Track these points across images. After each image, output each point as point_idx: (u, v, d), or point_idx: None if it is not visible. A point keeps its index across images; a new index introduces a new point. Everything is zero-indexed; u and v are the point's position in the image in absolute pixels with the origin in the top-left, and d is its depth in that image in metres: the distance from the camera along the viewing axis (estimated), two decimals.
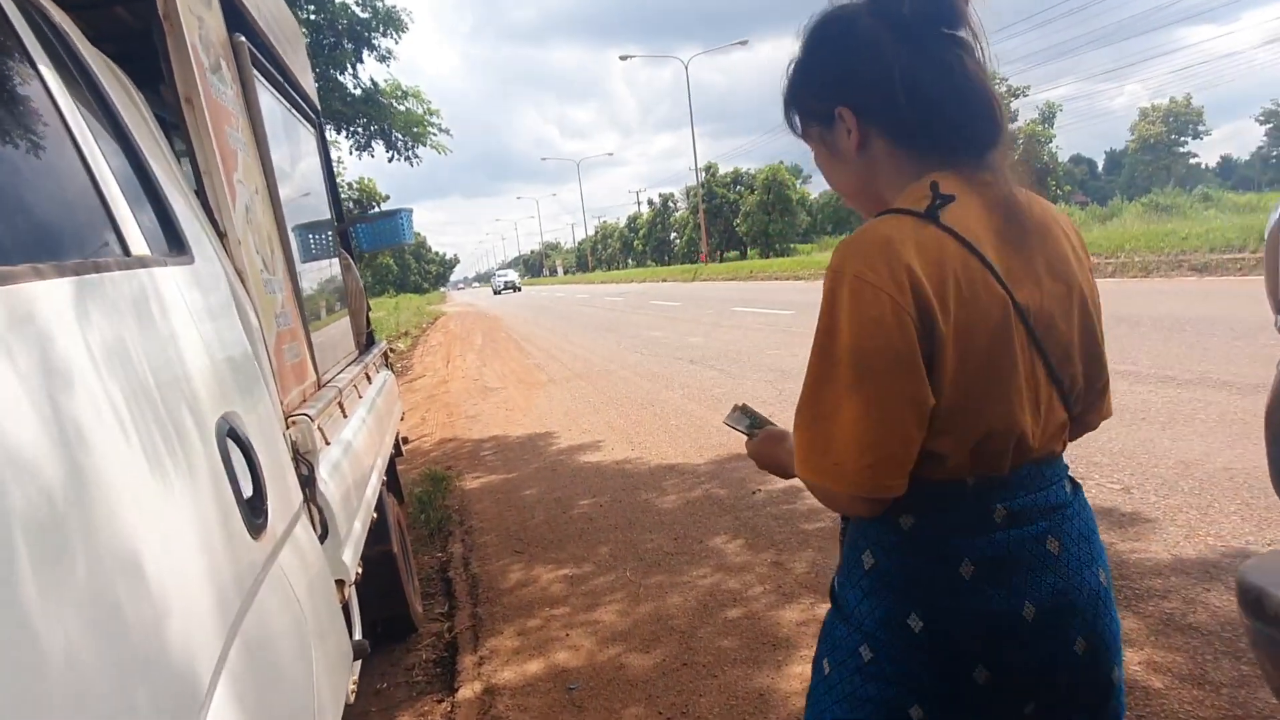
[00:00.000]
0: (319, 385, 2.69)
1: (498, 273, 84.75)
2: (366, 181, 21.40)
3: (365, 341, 4.85)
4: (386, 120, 9.45)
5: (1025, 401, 1.03)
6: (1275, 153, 79.63)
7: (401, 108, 9.89)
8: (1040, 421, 1.05)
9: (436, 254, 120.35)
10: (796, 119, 1.20)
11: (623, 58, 46.75)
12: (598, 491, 5.60)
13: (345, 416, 2.80)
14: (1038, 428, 1.05)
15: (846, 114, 1.10)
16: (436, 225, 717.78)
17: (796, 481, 1.15)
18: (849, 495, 1.02)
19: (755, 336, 12.68)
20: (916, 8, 1.04)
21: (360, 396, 3.27)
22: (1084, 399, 1.13)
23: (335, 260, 3.99)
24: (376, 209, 21.78)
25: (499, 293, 69.01)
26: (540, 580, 4.19)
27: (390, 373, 5.17)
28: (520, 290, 70.43)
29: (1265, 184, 63.38)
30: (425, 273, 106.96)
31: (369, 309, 5.08)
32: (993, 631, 1.03)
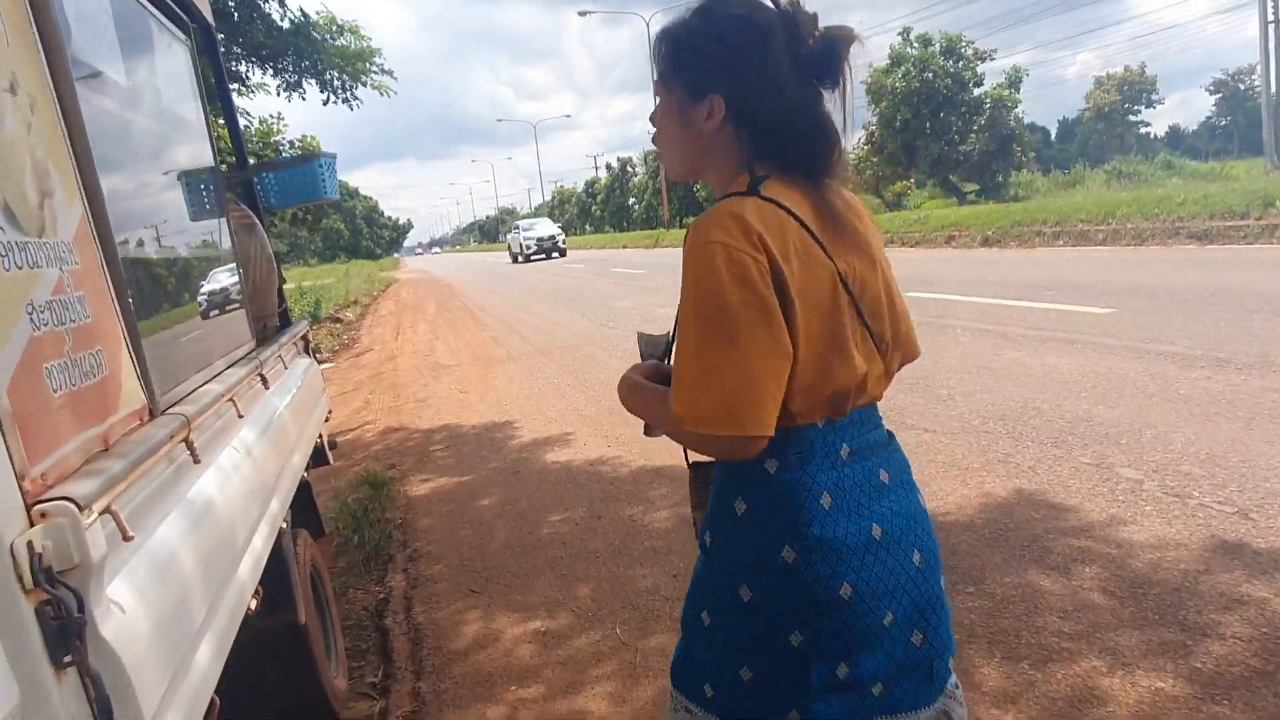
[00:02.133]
0: (151, 414, 1.68)
1: (522, 226, 43.85)
2: (310, 140, 19.84)
3: (273, 325, 3.80)
4: (319, 55, 8.22)
5: (857, 353, 1.22)
6: (1223, 122, 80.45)
7: (337, 43, 8.68)
8: (868, 370, 1.24)
9: (390, 219, 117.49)
10: (669, 72, 1.29)
11: (581, 13, 44.90)
12: (570, 503, 4.63)
13: (195, 460, 1.79)
14: (868, 376, 1.24)
15: (719, 103, 1.23)
16: (390, 189, 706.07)
17: None
18: (738, 437, 1.13)
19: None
20: (814, 54, 1.22)
21: (241, 415, 2.25)
22: (893, 349, 1.30)
23: (220, 220, 2.93)
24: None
25: (527, 259, 38.84)
26: (504, 638, 3.21)
27: (312, 360, 4.14)
28: (565, 253, 39.38)
29: (1211, 153, 63.91)
30: (378, 238, 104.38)
31: (282, 280, 4.01)
32: (852, 551, 1.21)
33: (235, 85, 8.91)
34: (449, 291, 24.95)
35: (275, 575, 2.42)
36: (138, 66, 2.33)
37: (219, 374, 2.25)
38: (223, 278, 2.91)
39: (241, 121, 15.15)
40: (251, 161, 4.06)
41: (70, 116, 1.60)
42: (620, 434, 5.83)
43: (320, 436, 4.08)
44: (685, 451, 1.37)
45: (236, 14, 7.22)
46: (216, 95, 3.90)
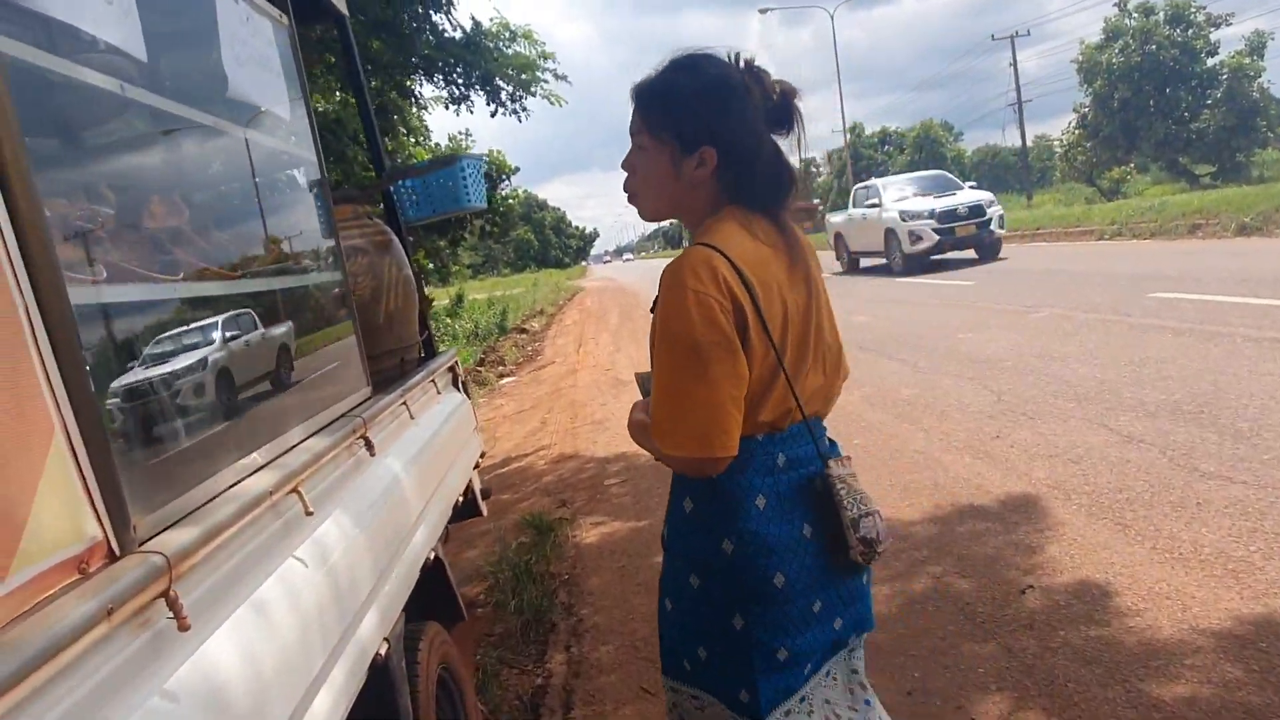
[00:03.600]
0: (114, 554, 1.06)
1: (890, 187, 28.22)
2: (496, 154, 20.09)
3: (413, 358, 3.24)
4: (488, 65, 7.84)
5: (799, 375, 1.41)
6: None
7: (509, 51, 8.30)
8: (809, 391, 1.44)
9: (577, 228, 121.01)
10: (659, 125, 1.42)
11: (762, 11, 43.89)
12: None
13: (184, 626, 1.15)
14: (806, 395, 1.43)
15: (711, 155, 1.39)
16: (576, 200, 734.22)
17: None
18: (705, 458, 1.33)
19: (935, 314, 10.51)
20: (776, 107, 1.43)
21: (310, 512, 1.62)
22: (829, 371, 1.50)
23: (324, 234, 2.36)
24: (505, 179, 20.40)
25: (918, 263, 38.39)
26: None
27: (464, 397, 3.57)
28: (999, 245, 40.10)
29: None
30: (566, 247, 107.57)
31: (425, 304, 3.47)
32: (785, 546, 1.39)
33: (407, 100, 8.78)
34: (633, 300, 24.70)
35: (378, 699, 1.79)
36: (197, 44, 1.77)
37: (279, 456, 1.62)
38: (332, 308, 2.34)
39: (431, 139, 15.40)
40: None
41: None
42: None
43: (470, 484, 3.52)
44: None
45: (407, 27, 6.96)
46: (353, 95, 3.44)
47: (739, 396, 1.31)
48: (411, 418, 2.59)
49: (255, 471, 1.49)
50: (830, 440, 1.54)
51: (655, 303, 1.43)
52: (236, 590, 1.27)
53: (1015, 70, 38.33)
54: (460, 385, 3.61)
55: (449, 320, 18.85)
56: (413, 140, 14.62)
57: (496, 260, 72.28)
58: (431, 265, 20.41)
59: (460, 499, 3.03)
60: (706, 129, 1.37)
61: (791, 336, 1.39)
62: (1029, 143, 49.34)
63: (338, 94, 8.69)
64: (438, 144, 18.72)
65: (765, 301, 1.34)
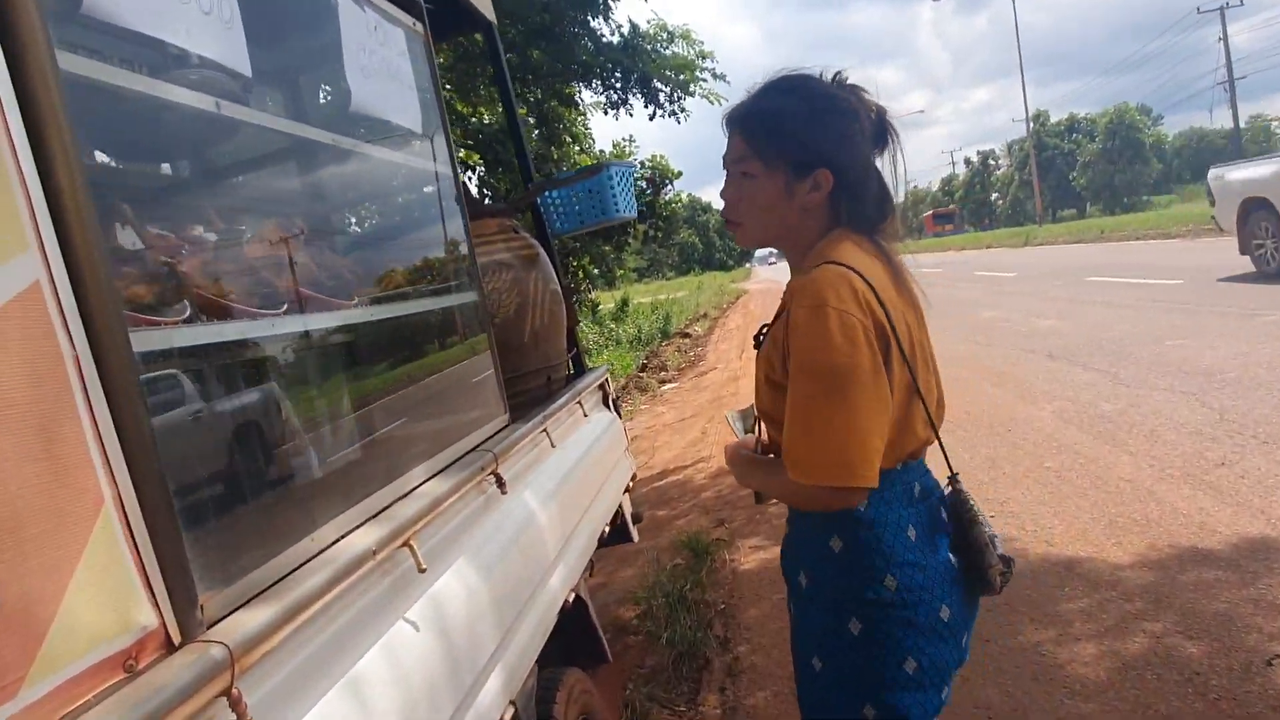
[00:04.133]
0: (171, 644, 0.91)
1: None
2: (659, 158, 20.07)
3: (560, 377, 3.09)
4: (646, 67, 7.71)
5: (925, 403, 1.35)
6: None
7: (667, 52, 8.13)
8: (929, 418, 1.38)
9: None
10: (770, 149, 1.36)
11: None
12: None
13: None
14: (930, 423, 1.38)
15: (827, 178, 1.34)
16: None
17: None
18: (847, 488, 1.23)
19: (1135, 316, 9.46)
20: (875, 128, 1.39)
21: (422, 569, 1.46)
22: (940, 394, 1.44)
23: (458, 252, 2.22)
24: (668, 184, 20.26)
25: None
26: None
27: (614, 416, 3.40)
28: None
29: None
30: (730, 249, 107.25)
31: (574, 321, 3.32)
32: (943, 577, 1.33)
33: (568, 108, 8.79)
34: None
35: None
36: (314, 49, 1.66)
37: (392, 504, 1.47)
38: (464, 325, 2.21)
39: (595, 146, 15.54)
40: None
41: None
42: (1004, 497, 4.46)
43: (621, 509, 3.34)
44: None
45: (566, 34, 6.93)
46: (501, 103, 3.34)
47: (883, 424, 1.25)
48: (553, 445, 2.42)
49: (361, 525, 1.34)
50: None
51: (764, 330, 1.44)
52: (325, 670, 1.11)
53: (1225, 45, 34.66)
54: (611, 403, 3.44)
55: (613, 325, 19.01)
56: (577, 148, 14.80)
57: (661, 264, 72.91)
58: (597, 270, 20.67)
59: (606, 529, 2.85)
60: (821, 151, 1.34)
61: (919, 357, 1.36)
62: (1242, 123, 44.45)
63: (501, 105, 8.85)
64: (601, 151, 18.92)
65: (896, 322, 1.29)
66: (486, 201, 6.43)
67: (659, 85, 8.04)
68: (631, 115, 8.38)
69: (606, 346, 16.68)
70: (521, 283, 2.89)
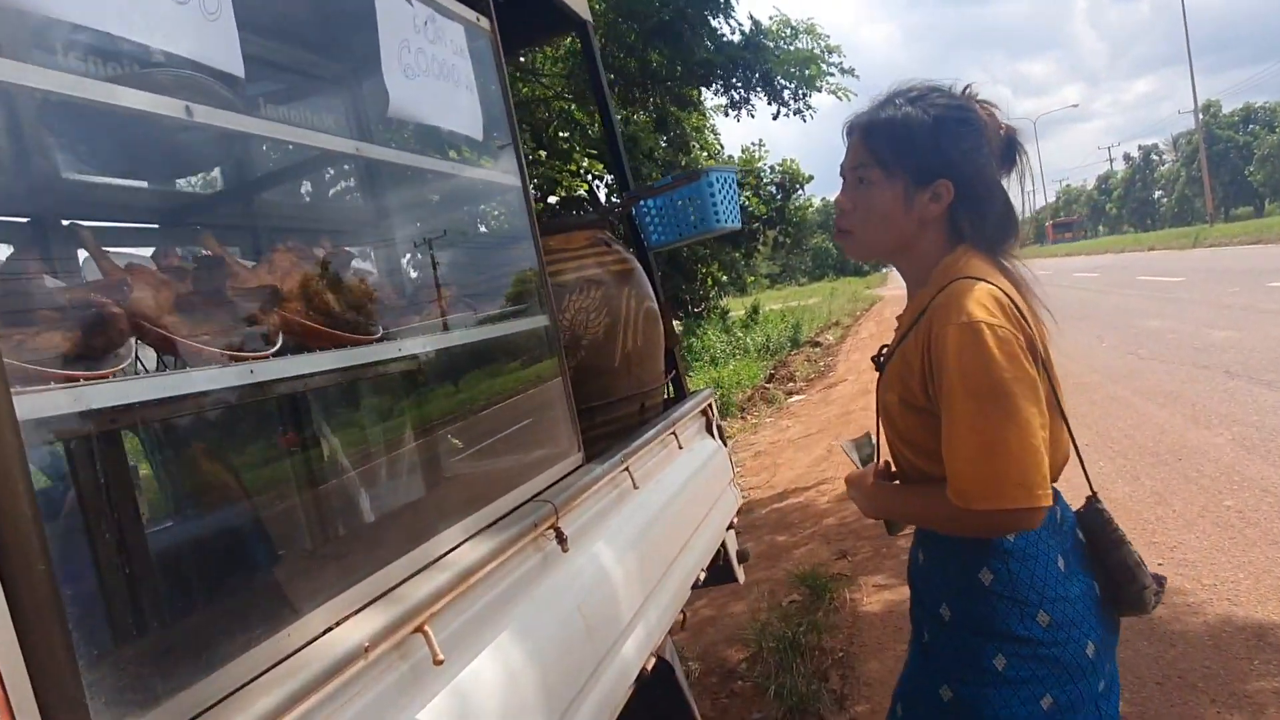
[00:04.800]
0: None
1: None
2: (789, 163, 19.57)
3: (655, 403, 2.83)
4: (767, 64, 7.34)
5: (1068, 421, 1.31)
6: None
7: (790, 48, 7.72)
8: (1072, 437, 1.34)
9: None
10: (890, 158, 1.32)
11: None
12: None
13: None
14: (1074, 441, 1.34)
15: (948, 188, 1.31)
16: None
17: None
18: (1029, 509, 1.17)
19: None
20: (1003, 144, 1.36)
21: (438, 663, 1.22)
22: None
23: (526, 270, 1.99)
24: (799, 188, 19.70)
25: None
26: None
27: (717, 442, 3.12)
28: None
29: None
30: None
31: (673, 341, 3.05)
32: (1090, 610, 1.26)
33: (686, 111, 8.53)
34: None
35: None
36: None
37: (412, 575, 1.24)
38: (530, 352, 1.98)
39: (724, 152, 15.25)
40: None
41: None
42: (1178, 543, 3.87)
43: (724, 547, 3.04)
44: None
45: (685, 34, 6.67)
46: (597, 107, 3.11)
47: (1047, 439, 1.20)
48: (635, 486, 2.16)
49: (360, 609, 1.12)
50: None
51: (883, 351, 1.41)
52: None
53: None
54: (714, 430, 3.15)
55: (741, 333, 18.63)
56: (705, 155, 14.54)
57: (794, 270, 71.65)
58: (727, 277, 20.37)
59: (703, 574, 2.56)
60: (943, 161, 1.31)
61: (1054, 377, 1.32)
62: None
63: (615, 110, 8.69)
64: (730, 157, 18.59)
65: (1038, 338, 1.27)
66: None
67: (782, 82, 7.65)
68: (754, 115, 8.04)
69: (734, 355, 16.30)
70: (612, 300, 2.65)
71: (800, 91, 7.75)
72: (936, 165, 1.30)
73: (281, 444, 1.22)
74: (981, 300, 1.21)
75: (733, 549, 3.12)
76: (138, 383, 0.91)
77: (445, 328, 1.63)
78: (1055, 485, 1.28)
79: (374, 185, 1.54)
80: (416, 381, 1.46)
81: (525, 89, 8.29)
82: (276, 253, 1.27)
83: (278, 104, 1.52)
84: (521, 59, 8.16)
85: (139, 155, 1.30)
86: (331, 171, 1.52)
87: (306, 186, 1.43)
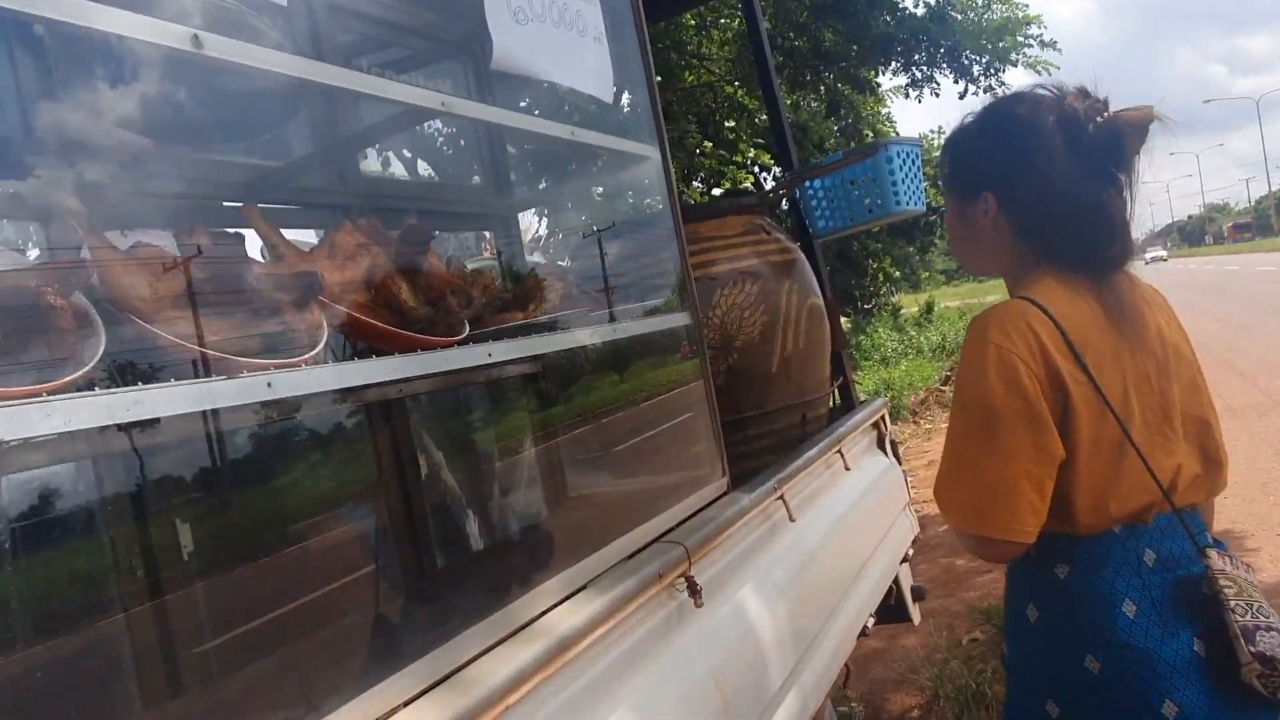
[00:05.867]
0: None
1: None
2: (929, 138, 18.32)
3: (818, 414, 2.46)
4: (955, 37, 6.63)
5: (1154, 455, 1.15)
6: None
7: (982, 19, 6.96)
8: (1177, 475, 1.17)
9: None
10: (948, 174, 1.33)
11: None
12: None
13: None
14: (1171, 480, 1.16)
15: (991, 200, 1.24)
16: None
17: None
18: (983, 538, 1.15)
19: None
20: (1097, 141, 1.17)
21: None
22: (1201, 455, 1.22)
23: (662, 261, 1.68)
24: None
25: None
26: None
27: (891, 461, 2.71)
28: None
29: None
30: None
31: (841, 345, 2.66)
32: (1173, 668, 1.11)
33: (861, 94, 7.93)
34: None
35: None
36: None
37: (480, 654, 0.95)
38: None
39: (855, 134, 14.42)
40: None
41: None
42: None
43: (896, 582, 2.63)
44: None
45: (860, 8, 6.13)
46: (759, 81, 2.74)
47: (1040, 475, 1.13)
48: (791, 519, 1.81)
49: (416, 698, 0.84)
50: (1216, 539, 1.23)
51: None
52: None
53: None
54: (888, 447, 2.74)
55: (914, 332, 17.65)
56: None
57: None
58: (899, 273, 19.39)
59: (870, 620, 2.17)
60: (981, 171, 1.25)
61: (1140, 409, 1.17)
62: None
63: (783, 93, 8.19)
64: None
65: (1098, 367, 1.15)
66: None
67: (971, 56, 6.92)
68: (937, 94, 7.34)
69: (906, 355, 15.42)
70: (770, 296, 2.30)
71: (992, 67, 6.99)
72: (977, 176, 1.26)
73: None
74: (1002, 320, 1.15)
75: (906, 585, 2.70)
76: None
77: (559, 327, 1.34)
78: (1148, 525, 1.17)
79: (481, 156, 1.28)
80: (523, 389, 1.19)
81: (690, 76, 7.99)
82: (340, 232, 1.02)
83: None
84: (688, 46, 7.89)
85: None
86: (442, 139, 1.29)
87: (404, 153, 1.20)
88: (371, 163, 1.25)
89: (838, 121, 8.14)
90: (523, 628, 1.01)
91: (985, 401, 1.13)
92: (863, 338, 16.23)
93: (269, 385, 0.79)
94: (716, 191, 9.46)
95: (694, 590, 1.33)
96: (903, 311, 19.92)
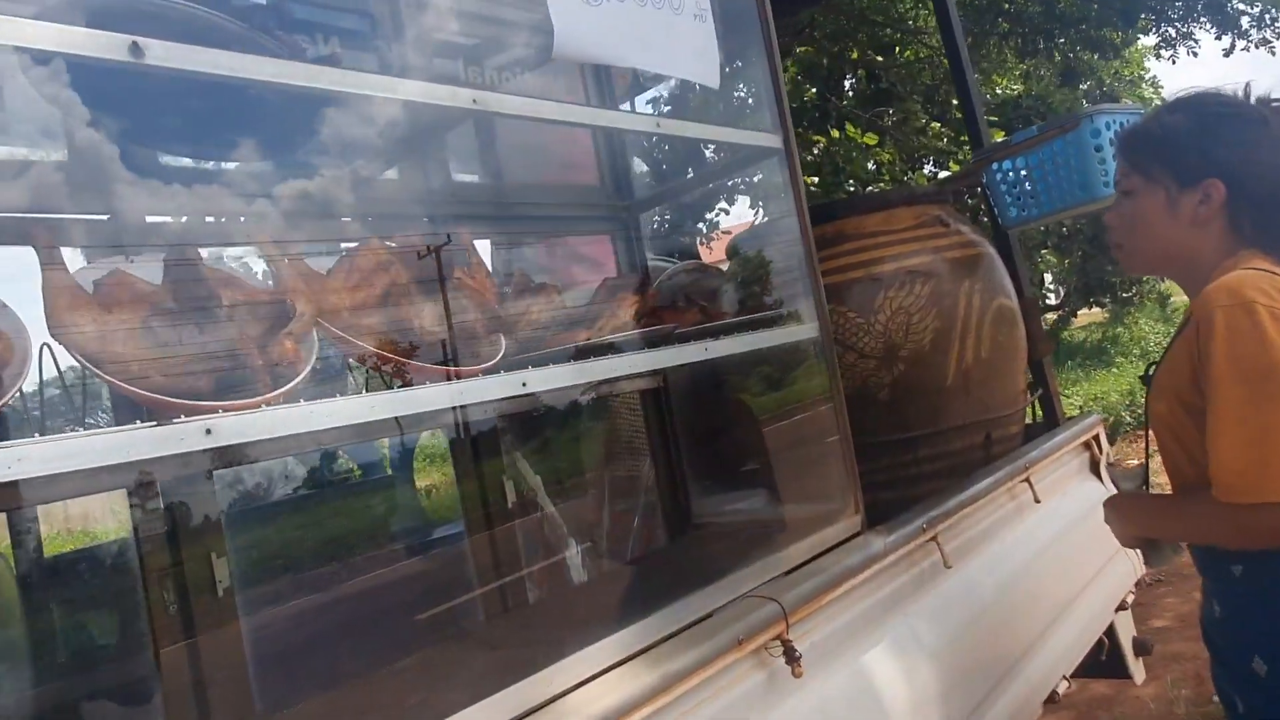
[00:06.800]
0: None
1: None
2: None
3: (1009, 434, 2.13)
4: None
5: None
6: None
7: None
8: None
9: None
10: (1152, 164, 1.26)
11: None
12: None
13: None
14: None
15: (1218, 188, 1.20)
16: None
17: None
18: None
19: None
20: None
21: None
22: None
23: (783, 263, 1.45)
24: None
25: None
26: None
27: (1105, 487, 2.31)
28: None
29: None
30: None
31: (1040, 351, 2.29)
32: None
33: (1104, 59, 6.90)
34: None
35: None
36: None
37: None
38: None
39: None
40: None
41: None
42: None
43: (1111, 633, 2.22)
44: None
45: None
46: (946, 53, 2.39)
47: None
48: (946, 565, 1.53)
49: None
50: None
51: (1152, 366, 1.30)
52: None
53: None
54: (1101, 471, 2.32)
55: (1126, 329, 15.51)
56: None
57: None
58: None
59: (1066, 683, 1.82)
60: (1209, 159, 1.21)
61: None
62: None
63: (1012, 64, 7.32)
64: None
65: None
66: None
67: (1240, 6, 5.84)
68: (1196, 54, 6.28)
69: (1114, 364, 13.57)
70: (946, 298, 2.00)
71: (1268, 16, 5.86)
72: (1202, 164, 1.22)
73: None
74: (1254, 283, 1.11)
75: (1126, 637, 2.28)
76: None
77: (650, 343, 1.19)
78: None
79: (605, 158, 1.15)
80: (589, 411, 1.05)
81: (909, 53, 7.43)
82: (359, 255, 0.93)
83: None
84: (908, 21, 7.36)
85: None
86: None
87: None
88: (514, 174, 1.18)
89: (1073, 90, 7.18)
90: (555, 700, 0.87)
91: (1271, 360, 1.06)
92: (1120, 329, 14.65)
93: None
94: (944, 174, 8.77)
95: (792, 658, 1.12)
96: (1171, 300, 17.69)
